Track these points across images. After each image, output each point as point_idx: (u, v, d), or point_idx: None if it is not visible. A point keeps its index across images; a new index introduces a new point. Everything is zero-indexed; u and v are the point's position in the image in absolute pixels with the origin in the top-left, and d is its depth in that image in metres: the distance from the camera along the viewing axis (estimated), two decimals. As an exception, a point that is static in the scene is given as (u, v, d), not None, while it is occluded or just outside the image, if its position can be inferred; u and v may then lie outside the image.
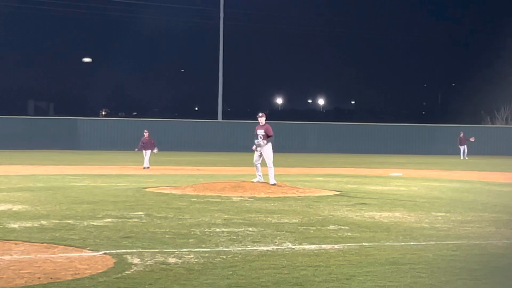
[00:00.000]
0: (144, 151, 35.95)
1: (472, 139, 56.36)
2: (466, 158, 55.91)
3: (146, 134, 36.42)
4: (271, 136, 23.01)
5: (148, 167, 35.03)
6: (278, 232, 13.34)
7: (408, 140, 69.03)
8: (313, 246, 11.89)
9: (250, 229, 13.73)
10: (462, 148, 57.20)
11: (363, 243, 12.26)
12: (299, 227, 14.10)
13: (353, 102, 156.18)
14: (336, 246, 11.90)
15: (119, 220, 14.76)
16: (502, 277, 9.84)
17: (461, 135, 57.79)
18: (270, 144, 23.01)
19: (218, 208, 17.17)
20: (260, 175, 23.17)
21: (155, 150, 36.05)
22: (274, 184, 22.47)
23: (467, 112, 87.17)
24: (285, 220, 15.12)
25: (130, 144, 53.44)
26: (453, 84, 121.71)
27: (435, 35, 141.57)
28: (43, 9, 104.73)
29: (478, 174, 35.63)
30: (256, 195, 20.45)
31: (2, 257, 10.55)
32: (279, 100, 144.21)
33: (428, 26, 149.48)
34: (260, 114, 23.46)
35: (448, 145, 66.14)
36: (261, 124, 23.14)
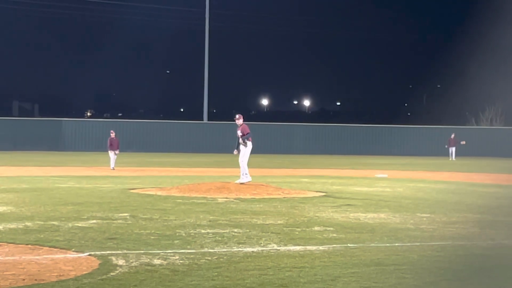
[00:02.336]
0: (111, 151, 35.66)
1: (463, 143, 56.67)
2: (454, 159, 56.17)
3: (112, 134, 36.33)
4: (246, 134, 23.21)
5: (113, 169, 34.74)
6: (263, 233, 13.35)
7: (393, 141, 69.12)
8: (298, 247, 11.90)
9: (236, 230, 13.73)
10: (451, 149, 57.46)
11: (348, 244, 12.28)
12: (284, 228, 14.12)
13: (338, 103, 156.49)
14: (321, 247, 11.92)
15: (104, 221, 14.73)
16: (487, 278, 9.88)
17: (452, 136, 58.02)
18: (249, 142, 23.19)
19: (203, 209, 17.16)
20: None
21: (117, 152, 35.71)
22: (241, 183, 22.55)
23: (452, 113, 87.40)
24: (271, 221, 15.13)
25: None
26: (438, 86, 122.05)
27: (421, 37, 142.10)
28: (29, 10, 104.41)
29: (463, 175, 35.76)
30: (241, 196, 20.45)
31: (-14, 258, 10.51)
32: (265, 102, 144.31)
33: (414, 27, 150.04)
34: (237, 116, 23.63)
35: (433, 146, 66.34)
36: (238, 125, 23.40)
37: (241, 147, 23.34)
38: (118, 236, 12.65)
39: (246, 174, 23.04)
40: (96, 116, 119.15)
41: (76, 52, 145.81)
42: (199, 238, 12.69)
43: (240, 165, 23.15)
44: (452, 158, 56.76)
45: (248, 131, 23.37)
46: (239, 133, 23.39)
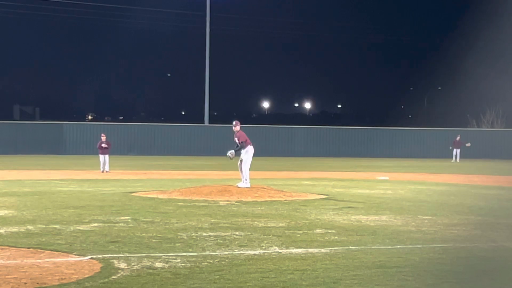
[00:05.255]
0: (102, 155, 35.79)
1: (468, 145, 56.78)
2: (458, 161, 56.20)
3: (103, 138, 36.48)
4: (241, 142, 23.22)
5: (108, 171, 34.92)
6: (265, 236, 13.34)
7: (394, 144, 69.13)
8: (300, 250, 11.90)
9: (237, 233, 13.73)
10: (455, 151, 57.51)
11: (350, 247, 12.28)
12: (286, 231, 14.11)
13: (339, 106, 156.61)
14: (323, 250, 11.92)
15: (106, 224, 14.73)
16: (488, 280, 9.88)
17: (458, 138, 58.08)
18: (248, 149, 23.15)
19: (205, 212, 17.15)
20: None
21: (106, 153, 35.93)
22: (246, 188, 22.47)
23: (453, 115, 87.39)
24: (272, 224, 15.13)
25: (116, 148, 53.32)
26: (439, 88, 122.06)
27: (422, 39, 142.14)
28: (29, 14, 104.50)
29: (464, 177, 35.75)
30: (243, 199, 20.45)
31: (-12, 262, 10.51)
32: (266, 104, 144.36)
33: (414, 30, 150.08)
34: (234, 123, 23.53)
35: (434, 148, 66.37)
36: (235, 131, 23.36)
37: (242, 152, 23.32)
38: (120, 240, 12.65)
39: (246, 180, 22.99)
40: (97, 119, 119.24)
41: (77, 56, 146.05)
42: (200, 241, 12.69)
43: (242, 170, 23.08)
44: (456, 160, 56.78)
45: (245, 138, 23.27)
46: (236, 140, 23.39)
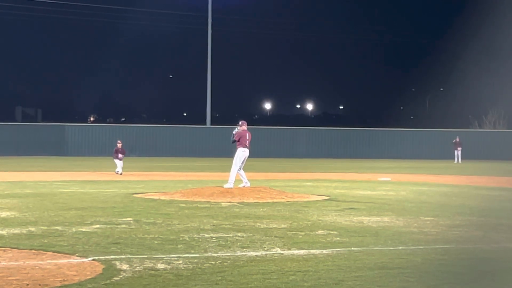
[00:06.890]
0: (118, 160, 35.96)
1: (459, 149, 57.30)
2: (460, 162, 56.24)
3: (119, 145, 36.57)
4: (234, 141, 23.62)
5: (121, 173, 35.14)
6: (267, 237, 13.35)
7: (396, 145, 69.13)
8: (302, 251, 11.90)
9: (239, 234, 13.74)
10: (456, 152, 57.62)
11: (352, 248, 12.28)
12: (288, 232, 14.11)
13: (341, 107, 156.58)
14: (325, 251, 11.92)
15: (108, 226, 14.74)
16: (490, 281, 9.88)
17: (457, 139, 58.20)
18: (237, 151, 23.46)
19: (206, 214, 17.16)
20: (246, 181, 23.40)
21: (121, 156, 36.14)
22: (226, 188, 22.55)
23: (455, 117, 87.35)
24: (274, 225, 15.13)
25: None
26: (441, 89, 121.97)
27: (423, 40, 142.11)
28: (31, 15, 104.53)
29: (466, 178, 35.73)
30: (245, 201, 20.45)
31: (-10, 264, 10.52)
32: (268, 106, 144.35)
33: (416, 30, 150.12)
34: (240, 123, 23.87)
35: (436, 149, 66.36)
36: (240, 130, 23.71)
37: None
38: (122, 241, 12.65)
39: (230, 182, 23.10)
40: (99, 121, 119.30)
41: (79, 57, 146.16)
42: (202, 242, 12.69)
43: (231, 170, 23.39)
44: (458, 161, 56.86)
45: (238, 138, 23.43)
46: (233, 133, 23.72)
